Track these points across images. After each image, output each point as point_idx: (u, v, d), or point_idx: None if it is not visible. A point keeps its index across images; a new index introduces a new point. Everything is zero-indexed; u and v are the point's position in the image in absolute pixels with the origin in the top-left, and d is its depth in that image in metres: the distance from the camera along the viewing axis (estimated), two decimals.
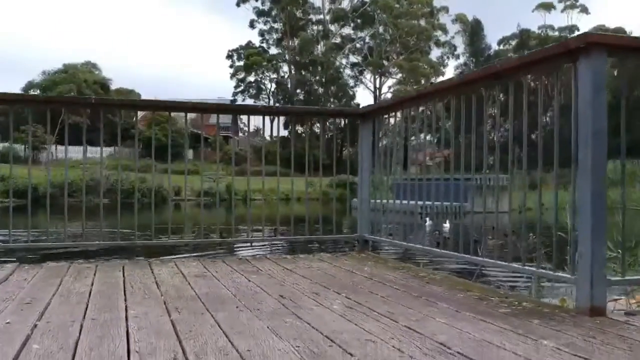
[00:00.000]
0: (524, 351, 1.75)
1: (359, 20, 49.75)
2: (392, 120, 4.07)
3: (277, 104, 44.90)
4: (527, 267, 2.67)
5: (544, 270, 2.55)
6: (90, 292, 2.65)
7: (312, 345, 1.80)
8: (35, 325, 2.03)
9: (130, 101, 3.59)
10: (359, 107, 4.99)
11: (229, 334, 1.92)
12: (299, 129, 45.82)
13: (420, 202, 3.78)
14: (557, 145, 2.42)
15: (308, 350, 1.74)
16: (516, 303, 2.47)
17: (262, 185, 4.29)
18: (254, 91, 49.35)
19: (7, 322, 2.07)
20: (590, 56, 2.18)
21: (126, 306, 2.36)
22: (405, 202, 3.94)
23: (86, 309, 2.31)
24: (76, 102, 3.94)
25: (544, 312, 2.30)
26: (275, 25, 49.95)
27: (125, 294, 2.62)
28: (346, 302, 2.49)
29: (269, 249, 6.68)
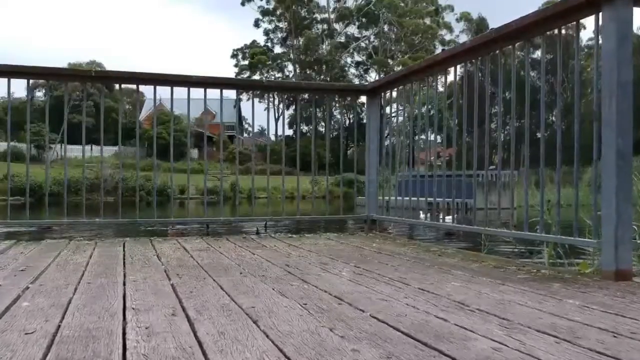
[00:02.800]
0: (548, 308, 1.62)
1: (363, 19, 49.60)
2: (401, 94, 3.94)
3: (281, 103, 44.76)
4: (546, 235, 2.53)
5: (564, 237, 2.42)
6: (88, 263, 2.54)
7: (320, 303, 1.68)
8: (27, 287, 1.92)
9: (130, 73, 3.48)
10: (367, 83, 4.87)
11: (232, 294, 1.81)
12: (304, 128, 45.77)
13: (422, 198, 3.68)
14: (577, 98, 2.29)
15: (316, 307, 1.62)
16: (534, 271, 2.35)
17: (266, 182, 4.19)
18: (259, 90, 49.23)
19: None
20: (614, 4, 2.05)
21: (124, 273, 2.25)
22: (405, 198, 3.84)
23: (82, 275, 2.20)
24: (77, 75, 3.84)
25: (565, 278, 2.18)
26: (280, 24, 49.88)
27: (124, 264, 2.51)
28: (355, 270, 2.36)
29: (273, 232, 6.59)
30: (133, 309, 1.59)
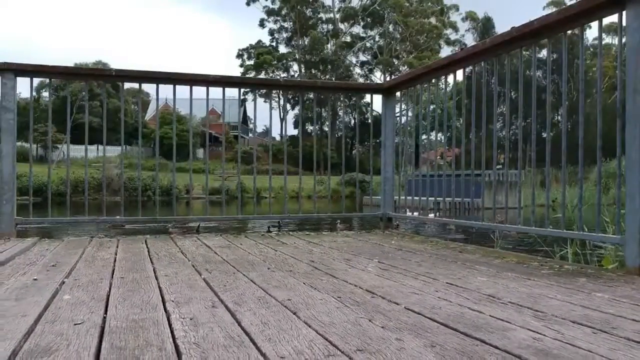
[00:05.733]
0: (579, 301, 1.65)
1: (368, 19, 49.61)
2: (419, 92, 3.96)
3: (287, 103, 44.87)
4: (569, 232, 2.56)
5: (587, 233, 2.44)
6: (115, 259, 2.59)
7: (353, 296, 1.71)
8: (63, 282, 1.96)
9: (150, 73, 3.54)
10: (383, 82, 4.87)
11: (265, 288, 1.84)
12: (309, 128, 45.79)
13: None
14: (600, 94, 2.32)
15: (350, 300, 1.66)
16: (557, 266, 2.38)
17: (284, 182, 4.23)
18: (264, 90, 49.25)
19: (35, 279, 2.01)
20: (638, 2, 2.08)
21: (154, 268, 2.29)
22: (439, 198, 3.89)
23: (113, 270, 2.25)
24: (98, 74, 3.89)
25: (589, 273, 2.20)
26: (285, 24, 49.95)
27: (151, 260, 2.55)
28: (380, 265, 2.40)
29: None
30: (172, 301, 1.63)
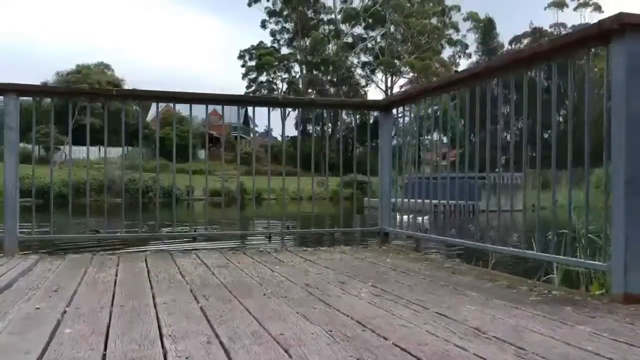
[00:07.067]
0: (561, 336, 1.71)
1: (370, 20, 49.66)
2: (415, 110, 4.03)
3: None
4: (555, 257, 2.62)
5: (575, 259, 2.51)
6: (115, 282, 2.65)
7: (344, 330, 1.77)
8: (65, 311, 2.02)
9: (150, 92, 3.61)
10: (381, 99, 4.95)
11: (259, 319, 1.91)
12: (310, 128, 45.82)
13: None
14: (587, 127, 2.38)
15: (341, 334, 1.72)
16: (545, 292, 2.44)
17: (282, 183, 4.30)
18: (266, 91, 49.43)
19: (37, 308, 2.07)
20: (624, 38, 2.14)
21: (153, 294, 2.36)
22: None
23: (113, 296, 2.31)
24: (100, 94, 3.96)
25: (576, 300, 2.26)
26: (287, 25, 50.03)
27: (150, 283, 2.62)
28: (373, 290, 2.46)
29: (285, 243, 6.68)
30: (169, 335, 1.69)
